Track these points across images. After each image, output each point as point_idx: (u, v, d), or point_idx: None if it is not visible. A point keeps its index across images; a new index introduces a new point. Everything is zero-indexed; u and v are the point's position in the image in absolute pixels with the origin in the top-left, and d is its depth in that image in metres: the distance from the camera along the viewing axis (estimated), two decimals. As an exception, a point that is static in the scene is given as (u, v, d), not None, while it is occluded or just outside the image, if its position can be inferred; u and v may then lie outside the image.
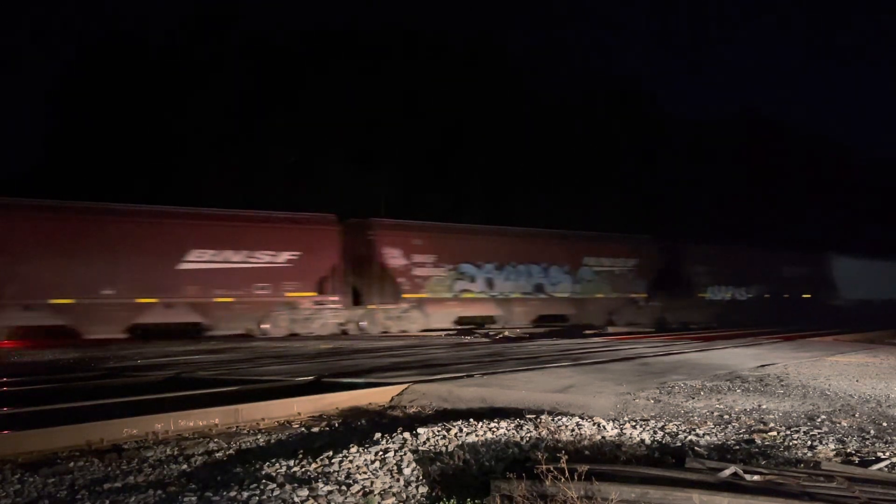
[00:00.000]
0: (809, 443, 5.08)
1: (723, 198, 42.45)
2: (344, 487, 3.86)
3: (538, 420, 5.63)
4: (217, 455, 5.00)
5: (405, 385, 7.69)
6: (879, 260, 36.27)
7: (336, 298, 19.04)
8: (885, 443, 5.08)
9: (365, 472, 4.16)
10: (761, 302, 30.60)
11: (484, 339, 17.05)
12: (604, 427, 5.48)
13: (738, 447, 4.94)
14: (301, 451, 4.65)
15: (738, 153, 44.76)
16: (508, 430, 5.31)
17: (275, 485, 3.80)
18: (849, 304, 33.07)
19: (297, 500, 3.61)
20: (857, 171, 49.58)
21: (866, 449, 4.88)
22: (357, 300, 19.80)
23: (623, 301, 25.80)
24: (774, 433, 5.39)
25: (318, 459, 4.41)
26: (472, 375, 8.68)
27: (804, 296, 32.61)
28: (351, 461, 4.38)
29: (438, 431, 5.22)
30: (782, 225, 41.70)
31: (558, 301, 24.14)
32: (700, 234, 33.32)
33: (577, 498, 3.44)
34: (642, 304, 26.25)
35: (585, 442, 5.05)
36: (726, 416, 6.15)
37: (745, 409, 6.48)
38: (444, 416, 6.30)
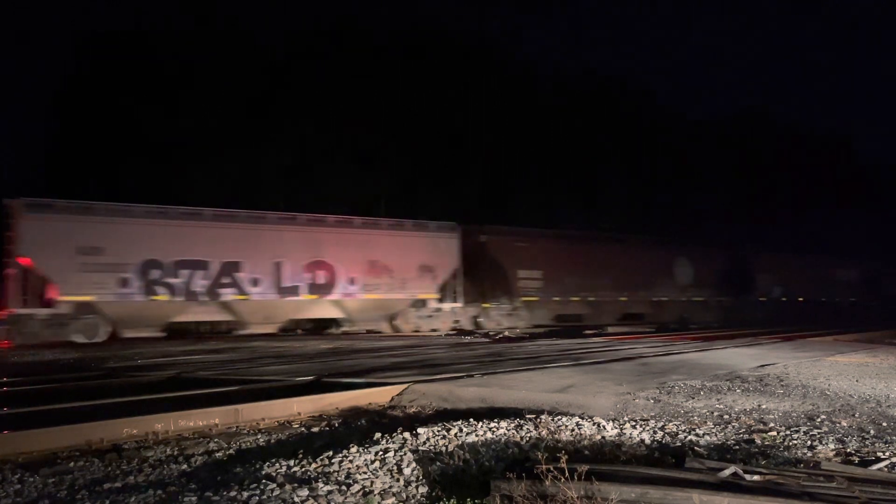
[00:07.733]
0: (809, 443, 5.08)
1: (724, 198, 42.39)
2: (344, 487, 3.86)
3: (538, 420, 5.63)
4: (217, 455, 5.00)
5: (405, 385, 7.69)
6: None
7: (721, 297, 30.66)
8: (885, 443, 5.08)
9: (365, 472, 4.16)
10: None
11: (484, 339, 17.05)
12: (604, 427, 5.48)
13: (737, 447, 4.94)
14: (301, 451, 4.65)
15: (741, 153, 44.68)
16: (508, 430, 5.31)
17: (275, 485, 3.80)
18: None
19: (297, 500, 3.61)
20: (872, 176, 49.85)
21: (866, 449, 4.88)
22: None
23: None
24: (774, 433, 5.39)
25: (318, 459, 4.41)
26: (472, 375, 8.68)
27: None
28: (351, 461, 4.38)
29: (438, 431, 5.22)
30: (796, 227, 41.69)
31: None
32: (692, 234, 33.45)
33: (577, 498, 3.44)
34: None
35: (585, 442, 5.05)
36: (726, 416, 6.15)
37: (745, 409, 6.48)
38: (444, 416, 6.29)
